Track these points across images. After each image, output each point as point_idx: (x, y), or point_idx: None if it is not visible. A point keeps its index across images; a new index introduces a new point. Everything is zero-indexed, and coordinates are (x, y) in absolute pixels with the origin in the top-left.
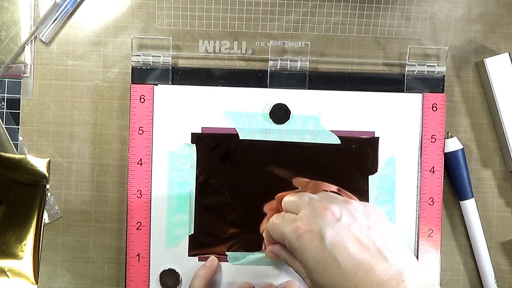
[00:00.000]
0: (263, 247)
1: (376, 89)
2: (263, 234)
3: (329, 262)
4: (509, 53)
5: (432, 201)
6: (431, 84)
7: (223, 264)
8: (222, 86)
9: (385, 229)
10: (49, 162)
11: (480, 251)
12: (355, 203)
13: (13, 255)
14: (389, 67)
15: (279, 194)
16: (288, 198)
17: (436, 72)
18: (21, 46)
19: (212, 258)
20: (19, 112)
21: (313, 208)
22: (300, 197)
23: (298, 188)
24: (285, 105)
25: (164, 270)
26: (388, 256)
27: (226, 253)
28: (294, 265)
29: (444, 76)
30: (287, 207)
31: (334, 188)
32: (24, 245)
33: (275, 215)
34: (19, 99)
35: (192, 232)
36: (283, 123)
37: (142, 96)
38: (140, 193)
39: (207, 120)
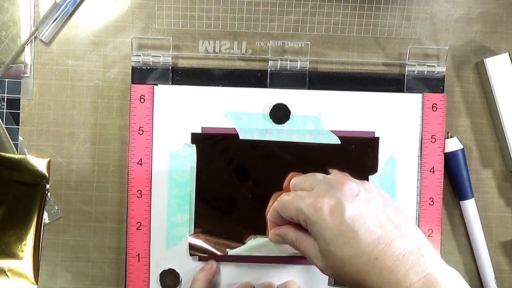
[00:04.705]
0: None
1: (376, 89)
2: (267, 217)
3: (349, 235)
4: (509, 53)
5: (432, 201)
6: (431, 84)
7: (223, 264)
8: (222, 86)
9: (399, 208)
10: (49, 162)
11: (480, 251)
12: (369, 183)
13: (13, 255)
14: (389, 67)
15: (285, 183)
16: (299, 178)
17: (436, 72)
18: (21, 46)
19: (211, 261)
20: (19, 112)
21: (329, 184)
22: (312, 176)
23: None
24: (285, 105)
25: (164, 270)
26: (405, 232)
27: (227, 253)
28: (303, 244)
29: (444, 76)
30: (298, 186)
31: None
32: (24, 245)
33: (284, 193)
34: (19, 99)
35: (192, 232)
36: (283, 123)
37: (142, 96)
38: (140, 193)
39: (207, 120)
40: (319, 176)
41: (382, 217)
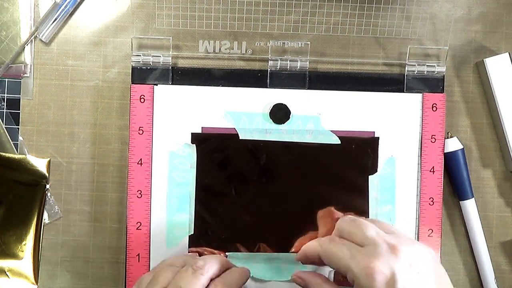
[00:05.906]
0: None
1: (376, 89)
2: (301, 250)
3: None
4: (509, 53)
5: (432, 201)
6: (431, 84)
7: None
8: (222, 86)
9: (443, 273)
10: (49, 162)
11: (480, 251)
12: (417, 244)
13: (13, 255)
14: (389, 67)
15: (320, 213)
16: (349, 224)
17: (436, 72)
18: (21, 46)
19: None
20: (19, 112)
21: (384, 247)
22: (365, 227)
23: (303, 197)
24: (285, 105)
25: None
26: None
27: (227, 253)
28: None
29: (444, 76)
30: (346, 235)
31: (340, 214)
32: (24, 245)
33: (329, 239)
34: (19, 99)
35: (192, 232)
36: (283, 123)
37: (142, 96)
38: (140, 193)
39: (207, 120)
40: (373, 231)
41: None
